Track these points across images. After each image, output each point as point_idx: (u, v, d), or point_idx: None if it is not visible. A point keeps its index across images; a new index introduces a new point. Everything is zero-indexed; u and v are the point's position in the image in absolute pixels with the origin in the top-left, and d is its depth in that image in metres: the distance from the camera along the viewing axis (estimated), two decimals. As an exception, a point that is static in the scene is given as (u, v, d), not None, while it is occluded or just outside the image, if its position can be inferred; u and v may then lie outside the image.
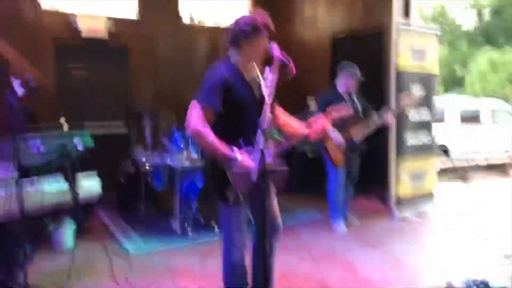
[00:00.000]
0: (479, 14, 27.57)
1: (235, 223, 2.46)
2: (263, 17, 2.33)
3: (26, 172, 3.20)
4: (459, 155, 8.94)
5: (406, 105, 4.48)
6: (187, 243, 4.01)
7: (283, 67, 2.23)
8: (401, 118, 4.77)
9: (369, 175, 5.52)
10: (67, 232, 3.86)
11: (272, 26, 2.33)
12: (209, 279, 3.12)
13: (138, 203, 4.98)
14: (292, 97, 4.30)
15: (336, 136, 4.30)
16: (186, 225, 4.22)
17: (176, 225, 4.26)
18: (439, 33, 5.29)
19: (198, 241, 4.03)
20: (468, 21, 28.43)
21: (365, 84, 4.53)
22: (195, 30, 6.76)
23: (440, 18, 27.47)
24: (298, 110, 6.68)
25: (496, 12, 26.18)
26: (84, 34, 5.67)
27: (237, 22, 2.35)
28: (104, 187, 5.25)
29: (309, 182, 5.94)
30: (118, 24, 5.91)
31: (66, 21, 5.61)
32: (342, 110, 2.52)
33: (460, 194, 6.49)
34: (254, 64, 2.38)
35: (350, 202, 4.90)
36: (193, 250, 3.82)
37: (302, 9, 6.80)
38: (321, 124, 2.46)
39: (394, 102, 4.66)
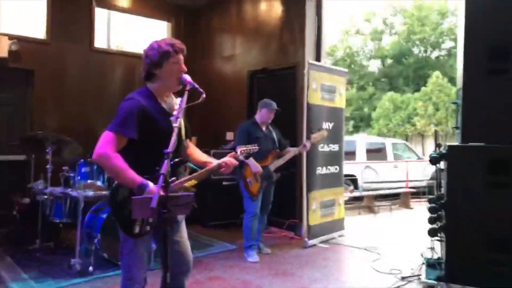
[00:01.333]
0: (382, 60, 30.67)
1: (135, 256, 2.28)
2: (167, 40, 2.30)
3: None
4: (366, 186, 9.60)
5: (317, 141, 4.75)
6: (86, 280, 3.66)
7: (194, 92, 2.23)
8: (311, 149, 4.98)
9: (282, 205, 5.67)
10: None
11: (179, 44, 2.29)
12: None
13: (34, 239, 4.49)
14: (211, 129, 4.33)
15: (253, 163, 4.38)
16: (87, 260, 3.87)
17: (76, 261, 3.88)
18: (347, 73, 5.73)
19: (99, 277, 3.70)
20: (373, 66, 31.46)
21: (278, 117, 4.74)
22: (109, 55, 6.50)
23: (349, 60, 30.01)
24: (218, 142, 6.72)
25: (396, 60, 29.33)
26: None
27: (145, 53, 2.30)
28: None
29: (224, 212, 5.90)
30: (23, 43, 5.46)
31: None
32: (251, 147, 2.56)
33: (367, 224, 6.85)
34: (171, 94, 2.37)
35: (263, 231, 4.97)
36: (92, 288, 3.50)
37: (221, 46, 6.96)
38: (230, 156, 2.44)
39: (305, 134, 4.90)
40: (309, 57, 5.32)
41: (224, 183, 5.99)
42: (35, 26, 5.80)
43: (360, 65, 30.93)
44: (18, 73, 5.58)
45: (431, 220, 3.36)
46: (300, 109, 5.32)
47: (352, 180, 9.89)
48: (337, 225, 5.56)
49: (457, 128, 3.39)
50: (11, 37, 5.31)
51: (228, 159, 2.42)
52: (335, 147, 5.46)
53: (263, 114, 4.60)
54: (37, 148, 4.37)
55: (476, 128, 3.11)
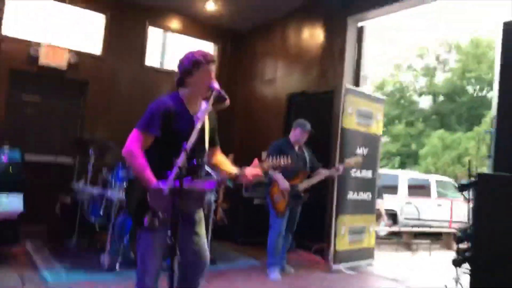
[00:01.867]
0: (434, 97, 29.84)
1: (149, 249, 2.38)
2: (201, 51, 2.48)
3: None
4: (405, 222, 9.27)
5: (351, 166, 4.73)
6: (112, 277, 3.83)
7: (219, 97, 2.38)
8: (344, 174, 4.97)
9: (311, 229, 5.65)
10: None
11: (210, 56, 2.47)
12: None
13: (71, 236, 4.78)
14: (248, 149, 4.49)
15: (282, 180, 4.43)
16: (115, 259, 4.05)
17: (105, 257, 4.08)
18: (384, 100, 5.73)
19: (124, 275, 3.85)
20: (424, 103, 30.64)
21: (314, 140, 4.81)
22: (158, 73, 6.92)
23: (398, 95, 29.45)
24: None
25: (449, 97, 28.43)
26: (43, 63, 5.66)
27: (179, 62, 2.50)
28: (38, 216, 5.11)
29: (253, 230, 5.94)
30: (80, 57, 5.97)
31: (27, 49, 5.62)
32: (282, 160, 2.58)
33: (401, 259, 6.60)
34: (200, 101, 2.49)
35: (289, 252, 4.95)
36: (116, 284, 3.65)
37: (263, 69, 7.22)
38: (254, 165, 2.52)
39: (338, 158, 4.92)
40: (347, 83, 5.39)
41: (255, 202, 6.07)
42: (93, 41, 6.31)
43: (410, 101, 30.26)
44: (74, 84, 6.06)
45: (458, 251, 3.25)
46: (335, 133, 5.35)
47: (392, 215, 9.60)
48: (366, 253, 5.42)
49: (489, 156, 3.30)
50: (70, 50, 5.84)
51: (251, 168, 2.50)
52: (368, 174, 5.40)
53: (297, 134, 4.66)
54: (82, 150, 4.72)
55: (508, 158, 3.02)
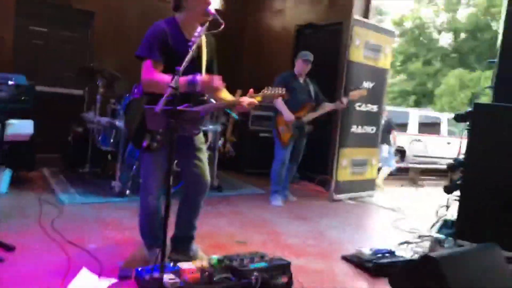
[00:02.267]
0: (455, 34, 28.52)
1: (150, 170, 2.51)
2: None
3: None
4: (413, 159, 9.38)
5: (355, 99, 4.74)
6: (122, 200, 4.09)
7: (214, 21, 2.38)
8: (348, 107, 4.99)
9: (315, 161, 5.81)
10: (1, 177, 3.90)
11: None
12: (134, 230, 3.20)
13: (84, 164, 5.01)
14: (257, 83, 4.46)
15: (287, 112, 4.49)
16: (125, 184, 4.29)
17: (115, 183, 4.32)
18: (395, 33, 5.57)
19: (132, 200, 4.10)
20: (444, 40, 29.37)
21: (321, 72, 4.79)
22: (166, 3, 6.74)
23: (417, 31, 28.27)
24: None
25: (471, 34, 27.13)
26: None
27: None
28: (53, 145, 5.34)
29: (259, 161, 6.13)
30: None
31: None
32: (277, 90, 2.60)
33: (405, 192, 6.79)
34: (197, 25, 2.40)
35: (294, 183, 5.15)
36: (125, 207, 3.90)
37: (272, 0, 6.98)
38: (250, 94, 2.55)
39: (343, 91, 4.91)
40: (357, 14, 5.23)
41: (261, 134, 6.20)
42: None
43: (429, 38, 29.03)
44: (81, 13, 6.01)
45: (450, 178, 3.35)
46: (342, 66, 5.30)
47: (401, 152, 9.67)
48: (368, 185, 5.60)
49: (490, 87, 3.28)
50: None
51: (246, 97, 2.54)
52: (373, 108, 5.42)
53: (298, 65, 4.66)
54: (91, 81, 4.80)
55: (509, 89, 3.01)
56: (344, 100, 4.65)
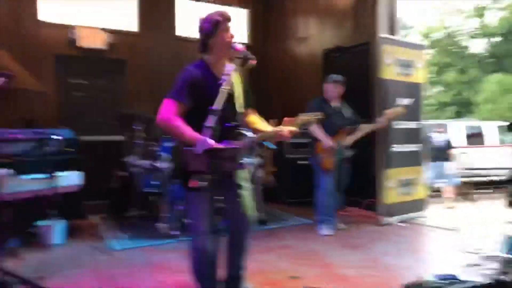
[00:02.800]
0: (489, 39, 27.66)
1: (198, 210, 2.49)
2: (217, 11, 2.49)
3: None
4: (463, 173, 8.96)
5: (392, 118, 4.61)
6: (170, 242, 4.09)
7: (244, 58, 2.41)
8: (388, 127, 4.88)
9: (360, 185, 5.64)
10: (56, 228, 4.03)
11: (227, 13, 2.48)
12: (185, 273, 3.17)
13: (129, 207, 5.11)
14: (288, 111, 4.47)
15: (325, 139, 4.42)
16: (171, 226, 4.30)
17: (162, 226, 4.35)
18: (424, 46, 5.48)
19: (180, 240, 4.10)
20: (476, 47, 28.53)
21: (354, 94, 4.72)
22: (190, 42, 6.96)
23: (445, 41, 27.66)
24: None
25: (506, 38, 26.22)
26: (83, 45, 5.88)
27: (200, 27, 2.52)
28: (99, 192, 5.49)
29: (301, 190, 6.03)
30: (116, 35, 6.15)
31: (65, 34, 5.85)
32: (313, 115, 2.57)
33: (459, 209, 6.44)
34: (225, 63, 2.51)
35: (339, 208, 4.99)
36: (174, 248, 3.89)
37: (295, 28, 7.06)
38: (285, 123, 2.52)
39: (378, 111, 4.80)
40: (383, 32, 5.16)
41: (298, 162, 6.12)
42: (127, 19, 6.43)
43: (460, 46, 28.30)
44: (114, 62, 6.28)
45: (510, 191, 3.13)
46: (374, 85, 5.20)
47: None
48: (418, 205, 5.35)
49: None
50: (107, 30, 6.03)
51: (283, 126, 2.52)
52: (412, 125, 5.25)
53: (329, 88, 4.59)
54: (129, 125, 4.95)
55: None
56: (380, 119, 4.54)
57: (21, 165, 3.43)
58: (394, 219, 4.99)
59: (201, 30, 2.51)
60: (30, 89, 5.57)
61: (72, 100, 6.04)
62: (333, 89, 4.59)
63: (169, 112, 2.38)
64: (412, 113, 5.22)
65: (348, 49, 6.01)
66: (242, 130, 2.64)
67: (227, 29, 2.47)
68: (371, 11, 5.46)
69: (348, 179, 4.76)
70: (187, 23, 6.89)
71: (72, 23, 5.93)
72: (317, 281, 3.09)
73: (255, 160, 5.08)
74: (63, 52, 5.89)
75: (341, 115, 4.61)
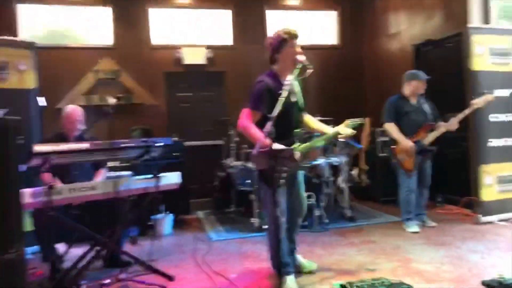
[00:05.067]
0: None
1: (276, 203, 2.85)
2: (285, 29, 2.86)
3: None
4: None
5: (478, 107, 4.39)
6: (261, 235, 4.49)
7: (303, 67, 2.75)
8: (479, 119, 4.65)
9: (458, 183, 5.44)
10: (166, 221, 4.78)
11: (294, 31, 2.83)
12: (267, 261, 3.56)
13: (229, 204, 5.71)
14: (382, 106, 4.64)
15: (403, 140, 4.43)
16: (262, 220, 4.73)
17: (255, 220, 4.81)
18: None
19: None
20: None
21: (447, 87, 4.60)
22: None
23: None
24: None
25: None
26: (186, 62, 6.69)
27: (268, 43, 2.93)
28: (204, 191, 6.23)
29: (393, 188, 5.97)
30: (215, 50, 6.84)
31: (172, 53, 6.71)
32: (359, 120, 2.93)
33: None
34: (290, 73, 2.88)
35: (429, 205, 4.91)
36: (263, 240, 4.27)
37: (386, 24, 7.00)
38: (344, 123, 2.88)
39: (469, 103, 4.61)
40: (476, 21, 4.92)
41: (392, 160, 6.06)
42: (225, 35, 7.10)
43: None
44: (214, 75, 6.98)
45: None
46: (468, 78, 4.97)
47: None
48: (525, 202, 4.95)
49: None
50: (207, 46, 6.75)
51: (343, 128, 2.81)
52: (513, 117, 4.88)
53: (412, 86, 4.53)
54: (226, 131, 5.55)
55: None
56: (453, 121, 4.35)
57: (134, 169, 4.20)
58: (494, 218, 4.72)
59: (270, 45, 2.92)
60: (146, 103, 6.57)
61: (179, 111, 6.90)
62: (418, 86, 4.53)
63: (246, 120, 2.84)
64: (512, 103, 4.87)
65: (438, 42, 5.81)
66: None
67: (292, 45, 2.83)
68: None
69: (430, 176, 4.67)
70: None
71: (178, 43, 6.77)
72: (391, 273, 3.20)
73: (341, 158, 5.26)
74: (171, 69, 6.77)
75: (421, 111, 4.54)
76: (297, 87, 2.99)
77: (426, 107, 4.59)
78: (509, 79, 4.82)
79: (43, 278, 3.42)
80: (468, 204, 5.30)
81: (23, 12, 6.28)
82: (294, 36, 2.84)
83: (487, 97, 4.35)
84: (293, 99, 2.91)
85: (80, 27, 6.68)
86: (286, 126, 2.85)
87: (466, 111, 4.35)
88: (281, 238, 2.86)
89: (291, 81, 2.68)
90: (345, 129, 2.82)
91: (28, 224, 3.98)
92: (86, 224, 3.39)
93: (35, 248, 4.10)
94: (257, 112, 2.83)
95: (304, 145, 2.86)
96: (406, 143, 4.41)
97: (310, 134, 4.66)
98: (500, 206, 4.77)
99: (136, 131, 6.09)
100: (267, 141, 2.51)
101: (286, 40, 2.82)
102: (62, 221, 3.18)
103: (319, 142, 2.96)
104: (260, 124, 2.80)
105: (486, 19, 4.99)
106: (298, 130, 2.94)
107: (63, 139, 3.67)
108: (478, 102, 4.32)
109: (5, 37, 4.30)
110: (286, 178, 2.71)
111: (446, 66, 5.65)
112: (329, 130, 3.00)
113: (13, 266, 1.84)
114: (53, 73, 6.02)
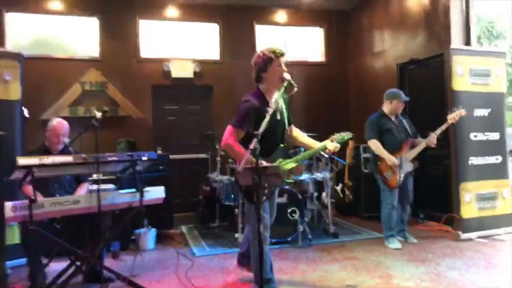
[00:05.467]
0: None
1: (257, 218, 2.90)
2: (270, 47, 2.91)
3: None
4: None
5: (456, 121, 4.52)
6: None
7: (289, 85, 2.81)
8: (460, 138, 4.77)
9: (439, 199, 5.54)
10: (149, 236, 4.73)
11: (279, 50, 2.88)
12: (249, 275, 3.55)
13: (214, 219, 5.69)
14: (364, 121, 4.75)
15: (388, 157, 4.50)
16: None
17: (238, 235, 4.80)
18: (505, 53, 5.21)
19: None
20: None
21: (428, 106, 4.71)
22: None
23: None
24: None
25: None
26: (174, 75, 6.70)
27: (254, 62, 2.99)
28: (187, 205, 6.20)
29: (377, 205, 6.02)
30: (203, 64, 6.88)
31: (160, 67, 6.72)
32: (345, 134, 3.08)
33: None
34: (275, 91, 2.97)
35: (410, 222, 4.97)
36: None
37: (371, 42, 7.15)
38: (330, 138, 2.95)
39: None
40: (457, 43, 5.08)
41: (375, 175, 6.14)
42: (212, 49, 7.14)
43: None
44: (202, 89, 7.01)
45: None
46: (448, 97, 5.11)
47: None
48: (503, 220, 5.05)
49: None
50: (194, 60, 6.79)
51: (329, 142, 2.88)
52: (494, 136, 5.02)
53: (393, 105, 4.62)
54: (212, 144, 5.55)
55: None
56: (432, 136, 4.47)
57: (118, 182, 4.18)
58: (473, 235, 4.81)
59: (255, 64, 2.97)
60: (132, 115, 6.55)
61: (165, 124, 6.90)
62: (398, 106, 4.64)
63: (230, 138, 2.89)
64: (493, 123, 5.01)
65: (422, 62, 5.96)
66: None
67: (279, 64, 2.88)
68: (443, 21, 5.40)
69: (412, 192, 4.75)
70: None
71: (165, 56, 6.79)
72: (372, 291, 3.24)
73: (325, 174, 5.31)
74: (158, 83, 6.77)
75: (402, 128, 4.65)
76: (283, 104, 3.04)
77: (405, 123, 4.71)
78: (488, 99, 4.97)
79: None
80: (449, 221, 5.40)
81: (10, 21, 6.24)
82: (280, 54, 2.89)
83: (461, 112, 4.48)
84: (278, 117, 2.96)
85: (67, 37, 6.67)
86: (271, 143, 2.90)
87: (443, 126, 4.48)
88: (264, 253, 2.89)
89: (276, 98, 2.74)
90: (332, 144, 2.90)
91: (12, 237, 3.94)
92: (68, 237, 3.35)
93: (16, 262, 4.04)
94: (240, 131, 2.91)
95: (288, 161, 2.91)
96: (391, 159, 4.49)
97: (295, 150, 4.72)
98: (479, 224, 4.87)
99: (121, 144, 6.06)
100: (252, 158, 2.54)
101: (272, 59, 2.87)
102: (43, 236, 3.13)
103: (304, 157, 3.05)
104: (244, 141, 2.87)
105: (467, 40, 5.16)
106: (282, 146, 2.99)
107: (47, 151, 3.64)
108: (453, 117, 4.45)
109: (-8, 48, 4.26)
110: (268, 193, 2.76)
111: (429, 85, 5.80)
112: (316, 144, 3.07)
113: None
114: (38, 83, 5.98)
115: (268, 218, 3.11)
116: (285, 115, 3.06)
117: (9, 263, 4.00)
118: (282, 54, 2.90)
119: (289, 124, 3.16)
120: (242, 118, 2.88)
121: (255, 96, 2.95)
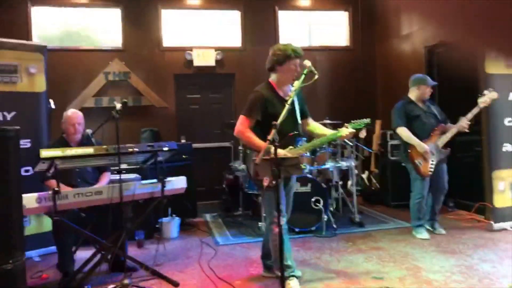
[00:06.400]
0: None
1: (272, 203, 2.89)
2: (292, 45, 2.92)
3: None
4: None
5: (488, 104, 4.27)
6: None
7: (309, 73, 2.79)
8: (493, 123, 4.54)
9: (470, 187, 5.32)
10: (172, 225, 4.76)
11: (300, 50, 2.90)
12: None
13: (237, 207, 5.67)
14: (392, 107, 4.59)
15: (419, 144, 4.33)
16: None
17: (261, 224, 4.76)
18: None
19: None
20: None
21: (460, 90, 4.50)
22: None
23: None
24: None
25: None
26: (197, 64, 6.67)
27: (273, 51, 2.97)
28: (212, 193, 6.21)
29: (404, 192, 5.87)
30: (224, 52, 6.79)
31: (183, 56, 6.69)
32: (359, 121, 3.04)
33: None
34: (288, 84, 3.08)
35: (447, 213, 4.78)
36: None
37: (398, 25, 6.90)
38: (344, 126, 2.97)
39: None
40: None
41: (403, 164, 5.96)
42: (234, 37, 7.05)
43: None
44: (224, 77, 6.95)
45: None
46: (482, 81, 4.85)
47: None
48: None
49: None
50: (216, 48, 6.72)
51: (345, 129, 2.94)
52: (529, 120, 4.74)
53: (421, 90, 4.43)
54: (233, 134, 5.49)
55: None
56: (463, 120, 4.24)
57: (142, 171, 4.20)
58: (507, 225, 4.60)
59: (274, 55, 2.97)
60: (156, 105, 6.57)
61: (188, 113, 6.89)
62: (426, 91, 4.45)
63: (242, 126, 2.98)
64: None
65: (451, 44, 5.68)
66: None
67: (295, 64, 2.94)
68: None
69: (445, 180, 4.55)
70: (290, 34, 7.23)
71: (188, 45, 6.75)
72: (398, 282, 3.14)
73: (350, 162, 5.19)
74: (181, 72, 6.75)
75: (431, 114, 4.45)
76: (298, 95, 3.05)
77: (434, 109, 4.50)
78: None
79: (48, 282, 3.44)
80: (481, 210, 5.19)
81: (35, 14, 6.34)
82: (298, 55, 2.96)
83: (492, 95, 4.23)
84: (292, 106, 2.97)
85: (91, 29, 6.72)
86: (282, 133, 2.88)
87: (474, 111, 4.24)
88: (284, 241, 2.85)
89: (293, 90, 2.78)
90: (345, 130, 2.90)
91: (44, 225, 4.04)
92: (92, 227, 3.40)
93: (42, 250, 4.15)
94: (251, 119, 2.99)
95: (298, 148, 2.90)
96: (422, 146, 4.32)
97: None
98: (515, 213, 4.65)
99: (145, 133, 6.12)
100: (270, 147, 2.53)
101: (290, 56, 2.95)
102: (67, 226, 3.18)
103: (315, 145, 3.08)
104: (254, 130, 2.96)
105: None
106: (294, 133, 3.00)
107: (65, 144, 3.66)
108: (484, 100, 4.20)
109: (17, 40, 4.33)
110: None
111: (460, 68, 5.52)
112: (329, 133, 3.09)
113: (12, 276, 1.84)
114: (63, 75, 6.08)
115: (284, 209, 3.06)
116: (299, 107, 3.06)
117: (39, 251, 4.14)
118: (300, 55, 2.99)
119: (305, 117, 3.18)
120: (251, 107, 3.00)
121: (265, 87, 3.05)
